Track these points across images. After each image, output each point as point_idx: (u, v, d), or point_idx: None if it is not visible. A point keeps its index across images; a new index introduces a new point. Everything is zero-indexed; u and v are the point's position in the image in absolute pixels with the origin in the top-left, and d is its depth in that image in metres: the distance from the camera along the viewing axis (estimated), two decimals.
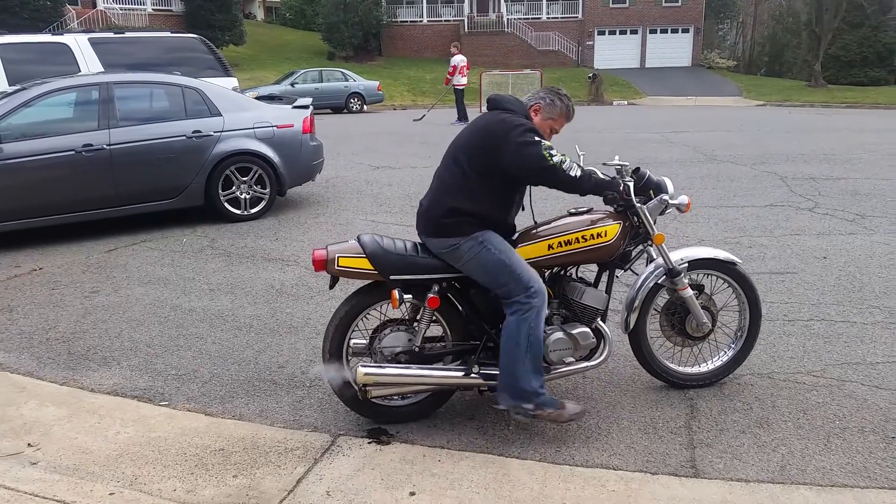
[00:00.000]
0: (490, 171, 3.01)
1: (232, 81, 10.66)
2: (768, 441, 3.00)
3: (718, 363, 3.58)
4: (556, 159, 2.95)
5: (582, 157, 3.59)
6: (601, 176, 3.22)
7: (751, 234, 6.43)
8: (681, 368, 3.57)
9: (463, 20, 39.37)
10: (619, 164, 3.26)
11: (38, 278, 5.53)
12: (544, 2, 40.05)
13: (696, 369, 3.58)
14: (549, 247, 3.15)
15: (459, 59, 17.55)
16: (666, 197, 3.20)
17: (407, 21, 40.62)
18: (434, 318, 3.18)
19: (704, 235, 6.39)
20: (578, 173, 2.99)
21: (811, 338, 4.08)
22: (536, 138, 2.97)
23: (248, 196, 7.43)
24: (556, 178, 2.98)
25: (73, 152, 6.47)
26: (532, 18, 39.83)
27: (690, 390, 3.49)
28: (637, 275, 3.43)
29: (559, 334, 3.16)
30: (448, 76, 18.02)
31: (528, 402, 2.96)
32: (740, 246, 6.00)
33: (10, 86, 8.01)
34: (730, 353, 3.59)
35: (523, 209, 3.28)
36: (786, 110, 24.21)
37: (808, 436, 3.04)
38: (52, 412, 3.30)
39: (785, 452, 2.92)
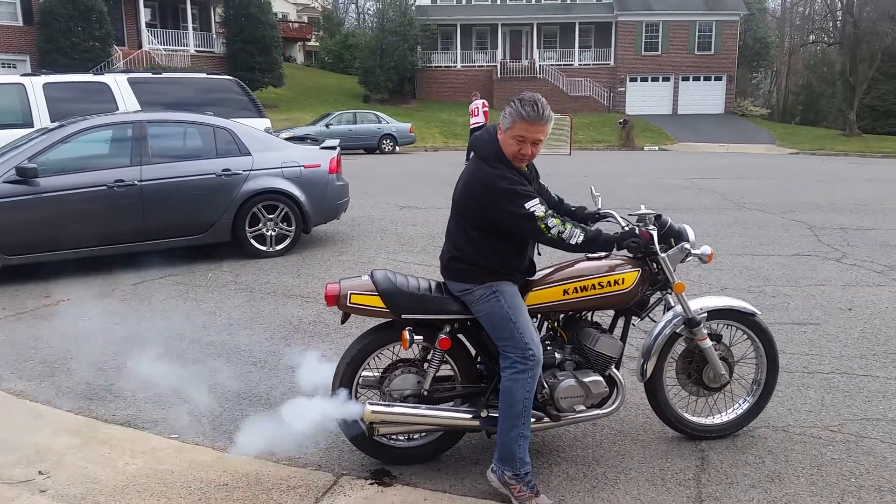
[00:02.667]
0: (488, 229, 2.95)
1: (265, 122, 10.93)
2: (779, 496, 2.92)
3: (733, 415, 3.51)
4: (553, 231, 2.86)
5: (599, 198, 3.60)
6: (619, 221, 3.21)
7: (775, 283, 6.34)
8: (695, 419, 3.50)
9: (496, 66, 40.00)
10: (642, 213, 3.23)
11: (65, 309, 5.66)
12: (577, 49, 40.56)
13: (710, 420, 3.51)
14: (565, 292, 3.12)
15: (475, 105, 18.90)
16: (687, 245, 3.17)
17: (441, 66, 41.41)
18: (444, 359, 3.18)
19: (728, 283, 6.32)
20: (580, 239, 2.89)
21: (831, 391, 3.99)
22: (528, 206, 2.82)
23: (273, 233, 7.56)
24: (559, 247, 2.93)
25: (105, 187, 6.67)
26: (564, 65, 40.33)
27: (702, 441, 3.42)
28: (655, 322, 3.39)
29: (571, 381, 3.12)
30: (472, 117, 18.98)
31: (510, 468, 2.91)
32: (764, 295, 5.92)
33: (52, 122, 8.33)
34: (745, 406, 3.52)
35: (540, 254, 3.27)
36: (819, 159, 23.99)
37: (822, 493, 2.95)
38: (65, 441, 3.36)
39: None
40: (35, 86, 9.07)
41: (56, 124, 7.27)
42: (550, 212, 2.92)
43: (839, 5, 39.85)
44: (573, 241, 2.89)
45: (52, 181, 6.47)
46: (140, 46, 31.51)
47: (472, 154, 3.13)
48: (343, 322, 3.25)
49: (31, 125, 8.65)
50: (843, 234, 8.59)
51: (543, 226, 2.86)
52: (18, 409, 3.74)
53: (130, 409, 3.79)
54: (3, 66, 27.61)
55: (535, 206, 2.85)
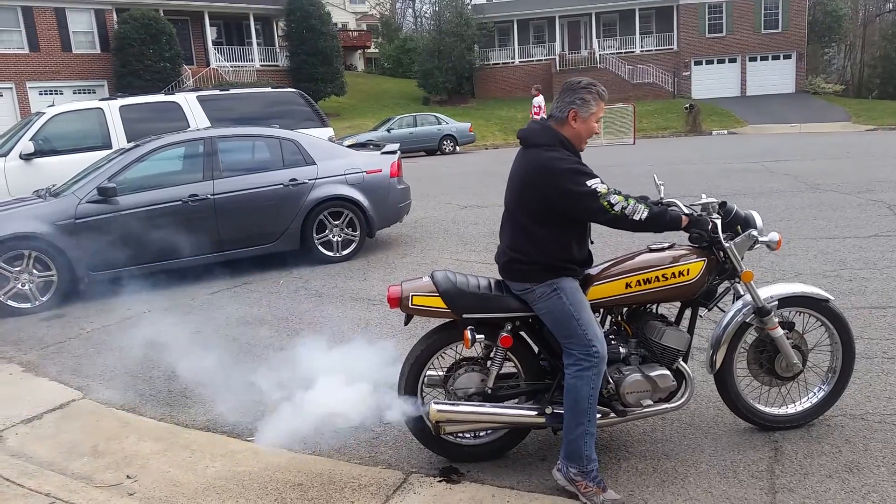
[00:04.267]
0: (550, 219, 2.95)
1: (328, 131, 11.17)
2: (857, 487, 2.82)
3: (808, 404, 3.42)
4: (617, 207, 2.84)
5: (662, 187, 3.54)
6: (682, 210, 3.16)
7: (852, 266, 6.09)
8: (768, 409, 3.43)
9: (554, 59, 39.61)
10: (705, 202, 3.17)
11: (145, 320, 5.95)
12: (637, 35, 39.71)
13: (784, 410, 3.43)
14: (627, 285, 3.10)
15: (539, 100, 18.59)
16: (755, 233, 3.10)
17: (499, 63, 41.30)
18: (507, 356, 3.21)
19: (802, 269, 6.11)
20: (644, 215, 2.88)
21: None
22: (590, 184, 2.84)
23: (339, 239, 7.74)
24: (622, 226, 2.91)
25: (180, 202, 6.98)
26: (625, 52, 39.55)
27: (776, 432, 3.34)
28: (724, 311, 3.32)
29: (637, 376, 3.10)
30: (534, 116, 18.65)
31: (575, 465, 2.91)
32: (840, 279, 5.70)
33: (128, 142, 8.76)
34: (820, 395, 3.42)
35: (592, 242, 3.24)
36: None
37: None
38: (149, 446, 3.55)
39: (877, 500, 2.74)
40: (112, 109, 9.54)
41: (132, 144, 7.65)
42: (613, 188, 2.92)
43: None
44: (637, 217, 2.87)
45: (129, 199, 6.81)
46: (208, 64, 32.65)
47: (522, 146, 3.11)
48: (406, 323, 3.32)
49: (109, 146, 9.11)
50: None
51: (606, 203, 2.84)
52: (107, 417, 3.97)
53: (209, 414, 3.97)
54: (84, 92, 29.12)
55: (597, 184, 2.86)
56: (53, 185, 7.33)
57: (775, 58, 38.47)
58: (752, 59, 38.67)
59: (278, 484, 3.14)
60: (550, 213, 2.94)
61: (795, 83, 38.37)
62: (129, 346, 5.28)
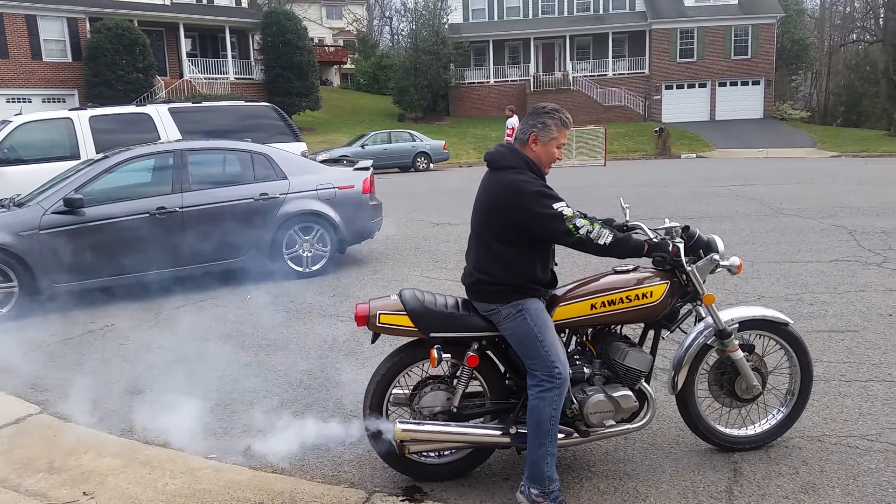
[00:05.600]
0: (515, 240, 2.99)
1: (301, 146, 11.16)
2: None
3: (767, 426, 3.48)
4: (582, 231, 2.90)
5: (627, 210, 3.61)
6: (647, 233, 3.21)
7: (813, 290, 6.23)
8: (728, 430, 3.48)
9: (529, 79, 40.06)
10: (668, 227, 3.24)
11: (109, 334, 5.86)
12: (610, 59, 40.37)
13: (743, 431, 3.48)
14: (592, 306, 3.14)
15: (513, 122, 18.84)
16: (716, 257, 3.16)
17: (474, 82, 41.63)
18: (473, 375, 3.22)
19: (765, 291, 6.23)
20: (609, 240, 2.93)
21: (868, 399, 3.91)
22: (556, 207, 2.90)
23: (309, 254, 7.70)
24: (586, 249, 2.96)
25: (148, 214, 6.90)
26: (598, 75, 40.16)
27: (736, 453, 3.39)
28: (686, 333, 3.38)
29: (600, 396, 3.13)
30: (507, 137, 18.86)
31: (537, 486, 2.92)
32: (801, 303, 5.82)
33: (97, 153, 8.66)
34: (779, 416, 3.48)
35: (556, 264, 3.28)
36: (862, 161, 23.40)
37: (858, 503, 2.90)
38: (108, 463, 3.49)
39: None
40: (82, 119, 9.44)
41: (101, 155, 7.56)
42: (579, 212, 2.97)
43: (881, 2, 38.95)
44: (601, 242, 2.92)
45: (96, 210, 6.72)
46: (181, 76, 32.42)
47: (489, 168, 3.15)
48: (373, 341, 3.32)
49: (77, 157, 9.00)
50: (884, 238, 8.37)
51: (572, 226, 2.90)
52: (65, 432, 3.89)
53: (170, 430, 3.90)
54: (54, 101, 28.72)
55: (563, 207, 2.92)
56: (18, 195, 7.20)
57: (744, 83, 39.33)
58: (722, 85, 39.50)
59: (239, 502, 3.10)
60: (516, 234, 2.98)
61: (763, 109, 39.25)
62: (91, 360, 5.19)
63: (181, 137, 9.51)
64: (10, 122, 9.34)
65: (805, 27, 45.09)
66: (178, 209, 7.05)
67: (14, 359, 5.28)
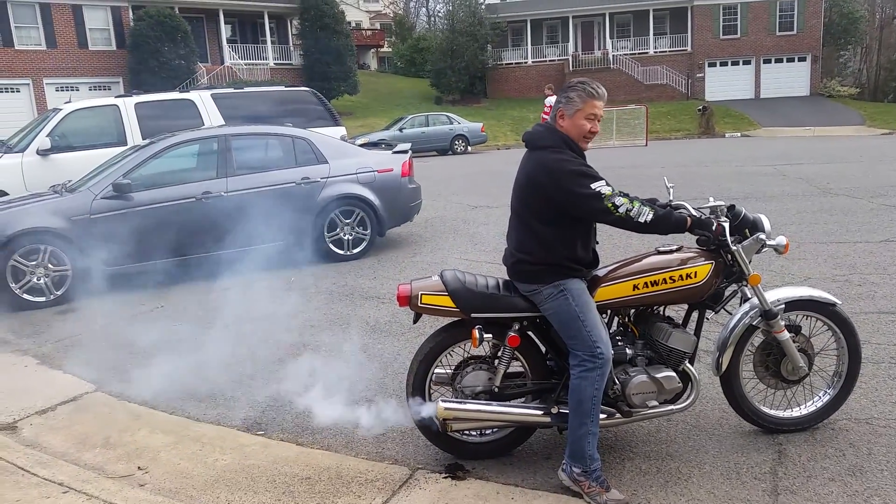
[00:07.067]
0: (555, 219, 2.99)
1: (340, 130, 11.24)
2: (860, 490, 2.84)
3: (813, 408, 3.43)
4: (622, 209, 2.88)
5: (672, 189, 3.57)
6: (691, 212, 3.17)
7: (861, 271, 6.08)
8: (773, 412, 3.44)
9: (567, 59, 39.54)
10: (713, 205, 3.20)
11: (159, 315, 6.04)
12: (651, 36, 39.57)
13: (789, 413, 3.45)
14: (635, 287, 3.12)
15: (552, 100, 18.52)
16: (762, 236, 3.12)
17: (512, 63, 41.27)
18: (514, 355, 3.24)
19: (811, 273, 6.10)
20: (650, 217, 2.91)
21: None
22: (594, 186, 2.88)
23: (350, 237, 7.80)
24: (627, 227, 2.95)
25: (193, 199, 7.06)
26: (639, 53, 39.41)
27: (780, 435, 3.36)
28: (731, 314, 3.35)
29: (643, 377, 3.12)
30: (544, 116, 18.62)
31: (579, 465, 2.94)
32: (849, 284, 5.69)
33: (143, 139, 8.86)
34: (825, 398, 3.44)
35: (598, 243, 3.27)
36: None
37: None
38: (160, 439, 3.62)
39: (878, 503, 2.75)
40: (128, 106, 9.65)
41: (147, 141, 7.74)
42: (618, 190, 2.95)
43: None
44: (642, 220, 2.90)
45: (144, 195, 6.90)
46: (222, 62, 32.82)
47: (527, 149, 3.15)
48: (415, 322, 3.36)
49: (124, 143, 9.22)
50: None
51: (611, 204, 2.88)
52: (119, 410, 4.04)
53: (220, 408, 4.03)
54: (100, 89, 29.38)
55: (602, 186, 2.90)
56: (69, 181, 7.43)
57: (790, 60, 38.22)
58: (767, 62, 38.44)
59: (287, 477, 3.19)
60: (556, 213, 2.98)
61: (810, 86, 38.10)
62: (143, 340, 5.35)
63: (224, 123, 9.66)
64: (61, 110, 9.60)
65: (854, 0, 43.46)
66: (223, 193, 7.19)
67: (70, 339, 5.48)
